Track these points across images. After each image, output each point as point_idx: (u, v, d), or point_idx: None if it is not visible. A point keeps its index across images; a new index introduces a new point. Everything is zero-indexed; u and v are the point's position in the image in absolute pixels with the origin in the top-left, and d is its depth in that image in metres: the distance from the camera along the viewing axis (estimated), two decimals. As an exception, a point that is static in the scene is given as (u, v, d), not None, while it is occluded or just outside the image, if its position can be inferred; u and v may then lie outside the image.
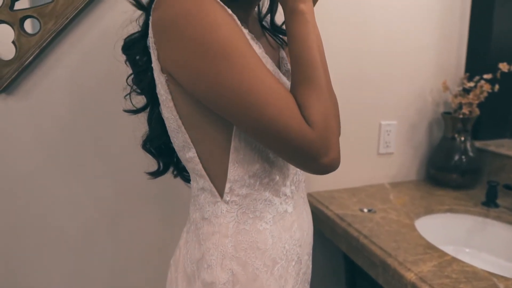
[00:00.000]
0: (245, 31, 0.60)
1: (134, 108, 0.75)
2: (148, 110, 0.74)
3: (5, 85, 0.96)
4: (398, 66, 1.35)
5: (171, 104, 0.62)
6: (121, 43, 0.68)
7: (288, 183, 0.67)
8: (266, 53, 0.70)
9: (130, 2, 0.63)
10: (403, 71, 1.35)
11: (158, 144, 0.76)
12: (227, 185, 0.62)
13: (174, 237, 1.02)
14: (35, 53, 0.96)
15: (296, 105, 0.55)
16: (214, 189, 0.64)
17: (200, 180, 0.66)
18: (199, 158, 0.64)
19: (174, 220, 1.16)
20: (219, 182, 0.63)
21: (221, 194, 0.63)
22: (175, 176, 0.84)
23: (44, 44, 0.96)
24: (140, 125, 0.79)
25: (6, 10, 0.94)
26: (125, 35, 0.68)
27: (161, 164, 0.79)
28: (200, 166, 0.64)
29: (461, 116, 1.32)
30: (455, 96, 1.35)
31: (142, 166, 0.85)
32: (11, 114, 0.99)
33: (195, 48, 0.53)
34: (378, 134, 1.37)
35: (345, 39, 1.25)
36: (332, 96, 0.58)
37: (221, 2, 0.56)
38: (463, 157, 1.34)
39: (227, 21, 0.54)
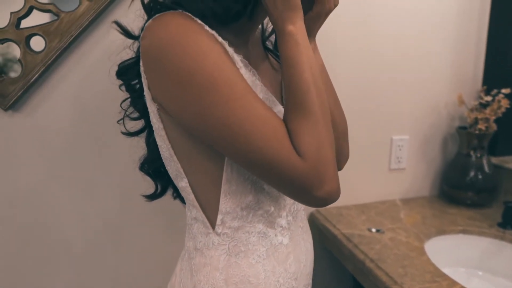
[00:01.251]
0: (238, 57, 0.58)
1: (130, 131, 0.74)
2: (146, 132, 0.73)
3: (11, 102, 0.97)
4: (410, 79, 1.30)
5: (163, 133, 0.60)
6: (116, 68, 0.67)
7: (284, 214, 0.65)
8: (266, 77, 0.68)
9: (118, 31, 0.62)
10: (416, 83, 1.31)
11: (156, 167, 0.75)
12: (219, 217, 0.61)
13: (178, 251, 1.01)
14: (40, 71, 0.97)
15: (286, 134, 0.52)
16: (206, 220, 0.62)
17: (193, 209, 0.64)
18: (191, 188, 0.63)
19: (178, 234, 1.15)
20: (211, 213, 0.62)
21: (213, 226, 0.62)
22: (175, 198, 0.82)
23: (49, 61, 0.97)
24: (138, 147, 0.78)
25: (12, 29, 0.95)
26: (119, 60, 0.67)
27: (159, 187, 0.78)
28: (192, 196, 0.63)
29: (477, 132, 1.26)
30: (471, 110, 1.30)
31: (146, 180, 0.84)
32: (18, 130, 1.00)
33: (181, 79, 0.52)
34: (390, 149, 1.33)
35: (355, 52, 1.22)
36: (328, 123, 0.55)
37: (209, 30, 0.54)
38: (479, 174, 1.29)
39: (213, 50, 0.52)
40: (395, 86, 1.29)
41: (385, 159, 1.33)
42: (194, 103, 0.52)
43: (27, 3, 0.94)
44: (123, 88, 0.67)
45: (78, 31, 0.97)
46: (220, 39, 0.56)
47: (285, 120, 0.55)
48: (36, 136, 1.01)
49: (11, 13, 0.94)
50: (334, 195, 0.53)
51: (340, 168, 0.77)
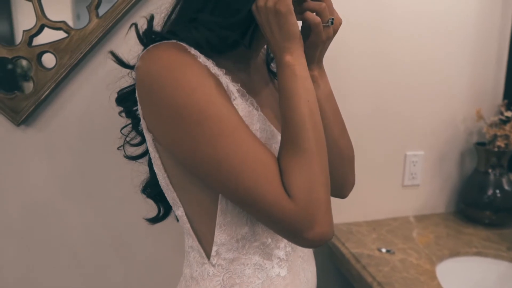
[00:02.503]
0: (234, 87, 0.57)
1: (133, 155, 0.74)
2: (148, 156, 0.73)
3: (23, 118, 1.00)
4: (426, 91, 1.26)
5: (159, 162, 0.60)
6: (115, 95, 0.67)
7: (282, 245, 0.63)
8: (267, 103, 0.67)
9: (114, 60, 0.62)
10: (431, 96, 1.26)
11: (159, 190, 0.75)
12: (214, 248, 0.60)
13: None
14: (51, 87, 0.99)
15: (277, 173, 0.51)
16: (201, 250, 0.62)
17: (189, 238, 0.64)
18: (187, 217, 0.62)
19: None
20: (206, 244, 0.61)
21: (208, 256, 0.61)
22: (178, 221, 0.82)
23: (60, 78, 0.99)
24: (139, 173, 0.78)
25: (24, 47, 0.96)
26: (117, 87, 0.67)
27: (161, 209, 0.78)
28: (188, 226, 0.62)
29: (496, 149, 1.21)
30: (490, 126, 1.25)
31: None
32: (30, 145, 1.02)
33: (170, 113, 0.51)
34: (403, 165, 1.29)
35: (367, 64, 1.19)
36: (323, 161, 0.53)
37: (203, 60, 0.54)
38: (497, 192, 1.23)
39: (204, 84, 0.51)
40: (410, 99, 1.25)
41: (399, 175, 1.29)
42: (184, 138, 0.51)
43: (39, 21, 0.96)
44: (123, 114, 0.67)
45: (88, 48, 0.98)
46: (215, 69, 0.55)
47: (279, 156, 0.53)
48: (47, 151, 1.03)
49: (24, 31, 0.96)
50: (325, 237, 0.51)
51: (345, 195, 0.76)
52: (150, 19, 0.60)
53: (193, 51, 0.55)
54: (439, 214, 1.35)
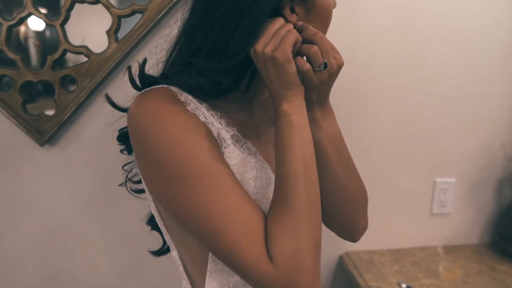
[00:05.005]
0: (228, 133, 0.55)
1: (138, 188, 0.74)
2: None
3: (47, 137, 1.04)
4: (459, 113, 1.17)
5: (153, 204, 0.60)
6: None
7: (276, 292, 0.61)
8: (272, 141, 0.64)
9: (109, 103, 0.62)
10: (466, 119, 1.17)
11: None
12: (205, 294, 0.59)
13: None
14: (73, 110, 1.02)
15: (261, 235, 0.48)
16: (194, 293, 0.60)
17: (183, 281, 0.63)
18: (181, 260, 0.61)
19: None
20: (198, 288, 0.60)
21: (200, 301, 0.60)
22: None
23: (81, 100, 1.02)
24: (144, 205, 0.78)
25: (48, 71, 1.00)
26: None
27: (166, 243, 0.77)
28: (181, 268, 0.62)
29: (537, 180, 1.10)
30: (533, 154, 1.14)
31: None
32: (53, 163, 1.06)
33: (153, 166, 0.51)
34: (432, 192, 1.21)
35: (392, 79, 1.12)
36: (314, 222, 0.49)
37: (192, 108, 0.52)
38: (539, 227, 1.13)
39: (188, 137, 0.50)
40: (440, 122, 1.16)
41: (427, 203, 1.21)
42: (167, 192, 0.50)
43: (61, 46, 0.99)
44: (125, 152, 0.67)
45: (107, 72, 1.00)
46: (207, 115, 0.53)
47: (268, 213, 0.51)
48: (69, 169, 1.07)
49: (48, 56, 0.99)
50: None
51: (355, 240, 0.72)
52: (143, 63, 0.59)
53: (184, 97, 0.53)
54: (471, 246, 1.25)
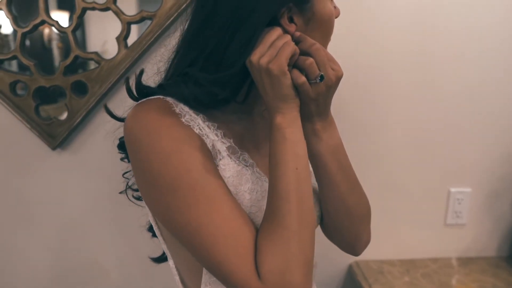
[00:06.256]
0: (224, 145, 0.55)
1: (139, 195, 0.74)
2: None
3: (59, 141, 1.06)
4: (476, 121, 1.12)
5: (151, 214, 0.60)
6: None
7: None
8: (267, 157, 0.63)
9: (108, 113, 0.63)
10: (483, 127, 1.13)
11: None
12: (201, 305, 0.58)
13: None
14: (83, 114, 1.04)
15: (250, 250, 0.47)
16: (190, 304, 0.60)
17: (179, 291, 0.63)
18: (177, 270, 0.62)
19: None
20: (194, 299, 0.60)
21: (195, 311, 0.59)
22: None
23: (91, 106, 1.03)
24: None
25: (60, 76, 1.02)
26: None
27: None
28: (177, 278, 0.62)
29: (558, 192, 1.05)
30: (554, 164, 1.09)
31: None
32: (64, 166, 1.09)
33: (145, 178, 0.51)
34: (446, 202, 1.17)
35: (405, 84, 1.08)
36: (306, 239, 0.48)
37: (186, 117, 0.52)
38: (560, 241, 1.07)
39: (181, 150, 0.49)
40: (456, 128, 1.12)
41: (441, 213, 1.18)
42: (159, 204, 0.50)
43: (73, 52, 1.01)
44: (126, 160, 0.67)
45: (116, 78, 1.01)
46: (202, 126, 0.53)
47: (260, 228, 0.50)
48: (79, 173, 1.09)
49: (60, 62, 1.02)
50: None
51: (357, 253, 0.70)
52: (139, 74, 0.59)
53: (179, 108, 0.53)
54: (488, 258, 1.20)
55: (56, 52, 1.22)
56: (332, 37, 0.59)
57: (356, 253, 0.70)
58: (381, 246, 1.19)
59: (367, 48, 1.05)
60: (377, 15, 1.03)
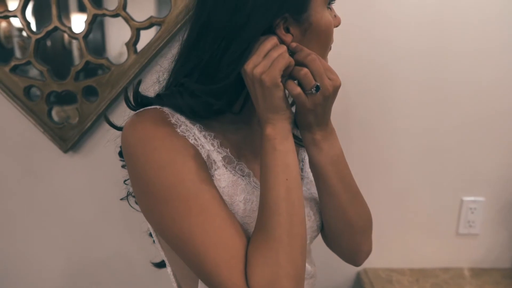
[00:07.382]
0: (220, 155, 0.55)
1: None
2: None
3: (70, 145, 1.08)
4: (490, 128, 1.09)
5: (147, 220, 0.60)
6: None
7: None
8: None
9: (107, 122, 0.64)
10: (498, 135, 1.09)
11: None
12: (197, 312, 0.59)
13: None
14: (94, 118, 1.06)
15: (241, 261, 0.47)
16: (186, 311, 0.61)
17: (177, 298, 0.63)
18: (174, 277, 0.62)
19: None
20: (191, 306, 0.60)
21: (192, 318, 0.60)
22: None
23: (101, 110, 1.05)
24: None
25: (71, 81, 1.05)
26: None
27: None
28: (175, 285, 0.62)
29: None
30: None
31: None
32: (76, 169, 1.11)
33: (140, 187, 0.52)
34: (459, 211, 1.14)
35: (417, 90, 1.06)
36: (295, 250, 0.48)
37: (181, 127, 0.52)
38: None
39: (175, 160, 0.50)
40: (469, 136, 1.09)
41: (453, 222, 1.15)
42: (154, 213, 0.51)
43: (84, 58, 1.03)
44: (126, 167, 0.68)
45: (126, 82, 1.03)
46: (196, 137, 0.53)
47: (250, 240, 0.50)
48: (90, 175, 1.11)
49: (71, 67, 1.04)
50: None
51: (358, 264, 0.69)
52: (137, 84, 0.60)
53: (175, 118, 0.54)
54: (502, 270, 1.16)
55: (76, 54, 1.25)
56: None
57: (356, 263, 0.69)
58: (391, 254, 1.17)
59: (378, 52, 1.03)
60: (388, 19, 1.01)
